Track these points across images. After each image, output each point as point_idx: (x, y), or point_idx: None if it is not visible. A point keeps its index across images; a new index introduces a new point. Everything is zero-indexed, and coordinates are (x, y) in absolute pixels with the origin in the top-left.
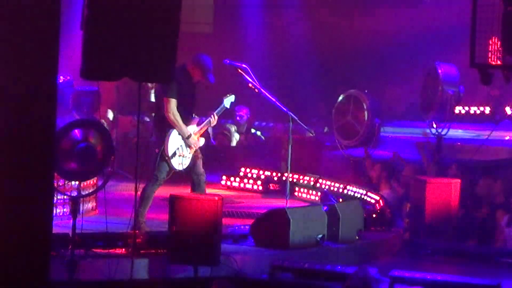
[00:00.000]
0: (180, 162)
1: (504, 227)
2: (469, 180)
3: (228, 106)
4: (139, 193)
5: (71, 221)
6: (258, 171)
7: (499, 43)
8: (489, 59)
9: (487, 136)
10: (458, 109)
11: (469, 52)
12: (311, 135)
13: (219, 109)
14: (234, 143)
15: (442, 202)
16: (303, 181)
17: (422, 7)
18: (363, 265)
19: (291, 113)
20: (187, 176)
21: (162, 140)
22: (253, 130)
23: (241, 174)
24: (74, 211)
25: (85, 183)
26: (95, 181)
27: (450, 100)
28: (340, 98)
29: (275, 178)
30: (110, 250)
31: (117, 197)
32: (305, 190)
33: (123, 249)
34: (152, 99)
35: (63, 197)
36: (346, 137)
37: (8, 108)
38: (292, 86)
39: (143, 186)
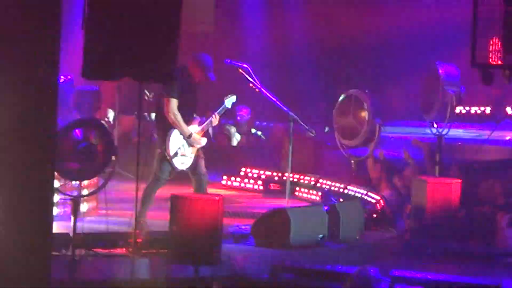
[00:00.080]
0: (182, 162)
1: (504, 227)
2: (470, 180)
3: (229, 107)
4: (140, 193)
5: (72, 221)
6: (259, 171)
7: (499, 43)
8: (490, 59)
9: (487, 136)
10: (458, 109)
11: (470, 52)
12: (312, 135)
13: (220, 109)
14: (234, 143)
15: (442, 202)
16: (304, 181)
17: (422, 7)
18: (364, 265)
19: (291, 113)
20: (188, 176)
21: (164, 140)
22: (253, 130)
23: (242, 174)
24: (75, 211)
25: (86, 183)
26: (96, 180)
27: (451, 100)
28: (341, 98)
29: (276, 178)
30: (111, 250)
31: (118, 197)
32: (306, 190)
33: (124, 249)
34: None
35: (64, 197)
36: (347, 137)
37: (9, 108)
38: (292, 86)
39: (145, 186)
